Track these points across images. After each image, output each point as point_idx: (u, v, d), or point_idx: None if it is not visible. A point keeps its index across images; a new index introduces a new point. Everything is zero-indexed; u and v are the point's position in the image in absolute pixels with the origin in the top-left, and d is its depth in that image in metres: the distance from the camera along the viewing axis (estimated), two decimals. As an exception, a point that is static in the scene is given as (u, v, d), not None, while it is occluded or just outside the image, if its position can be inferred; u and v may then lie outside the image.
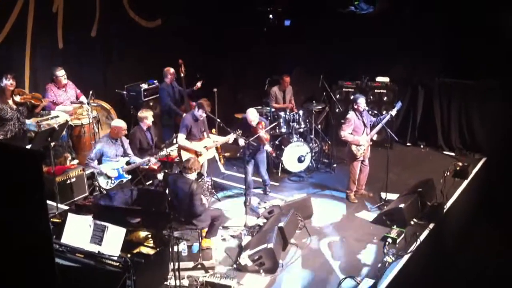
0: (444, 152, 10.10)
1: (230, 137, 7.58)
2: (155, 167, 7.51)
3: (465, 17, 9.28)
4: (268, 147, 7.87)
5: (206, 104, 7.58)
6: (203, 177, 7.84)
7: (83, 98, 8.00)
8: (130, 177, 7.22)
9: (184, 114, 7.97)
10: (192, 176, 6.33)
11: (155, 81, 9.45)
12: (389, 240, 6.74)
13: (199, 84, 9.16)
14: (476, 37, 9.16)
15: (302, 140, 9.00)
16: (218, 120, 8.01)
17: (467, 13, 9.23)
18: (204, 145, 7.63)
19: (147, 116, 7.56)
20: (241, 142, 7.51)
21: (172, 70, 8.92)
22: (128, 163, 7.17)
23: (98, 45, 8.92)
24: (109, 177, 7.00)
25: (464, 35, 9.31)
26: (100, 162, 7.09)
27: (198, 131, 7.62)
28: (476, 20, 9.20)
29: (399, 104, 8.13)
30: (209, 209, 6.70)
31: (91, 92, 7.79)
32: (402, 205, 7.11)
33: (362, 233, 7.16)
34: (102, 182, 7.00)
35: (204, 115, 7.59)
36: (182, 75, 8.92)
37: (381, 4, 10.34)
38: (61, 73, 7.85)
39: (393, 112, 7.94)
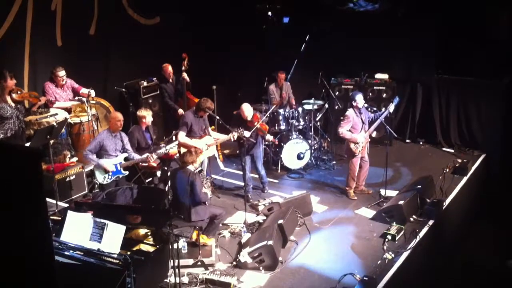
0: (443, 149, 10.11)
1: (234, 136, 7.54)
2: (154, 164, 7.50)
3: (464, 14, 9.28)
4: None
5: (210, 103, 7.54)
6: (202, 173, 7.83)
7: (84, 90, 7.96)
8: (127, 173, 7.22)
9: (181, 111, 7.95)
10: (191, 167, 6.36)
11: (154, 79, 9.45)
12: (389, 237, 6.75)
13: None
14: (475, 34, 9.17)
15: (302, 137, 9.00)
16: (218, 117, 8.00)
17: (466, 9, 9.23)
18: (205, 142, 7.62)
19: (145, 116, 7.54)
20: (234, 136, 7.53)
21: (167, 68, 8.97)
22: (126, 159, 7.17)
23: (97, 43, 8.90)
24: (106, 172, 7.00)
25: (462, 32, 9.31)
26: (98, 157, 7.08)
27: (199, 129, 7.60)
28: (476, 17, 9.20)
29: (396, 99, 8.10)
30: (210, 206, 6.69)
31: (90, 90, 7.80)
32: (401, 202, 7.12)
33: (362, 230, 7.16)
34: (99, 176, 7.00)
35: (206, 115, 7.60)
36: (184, 68, 8.91)
37: (382, 2, 10.33)
38: (62, 73, 7.83)
39: (391, 107, 7.92)
